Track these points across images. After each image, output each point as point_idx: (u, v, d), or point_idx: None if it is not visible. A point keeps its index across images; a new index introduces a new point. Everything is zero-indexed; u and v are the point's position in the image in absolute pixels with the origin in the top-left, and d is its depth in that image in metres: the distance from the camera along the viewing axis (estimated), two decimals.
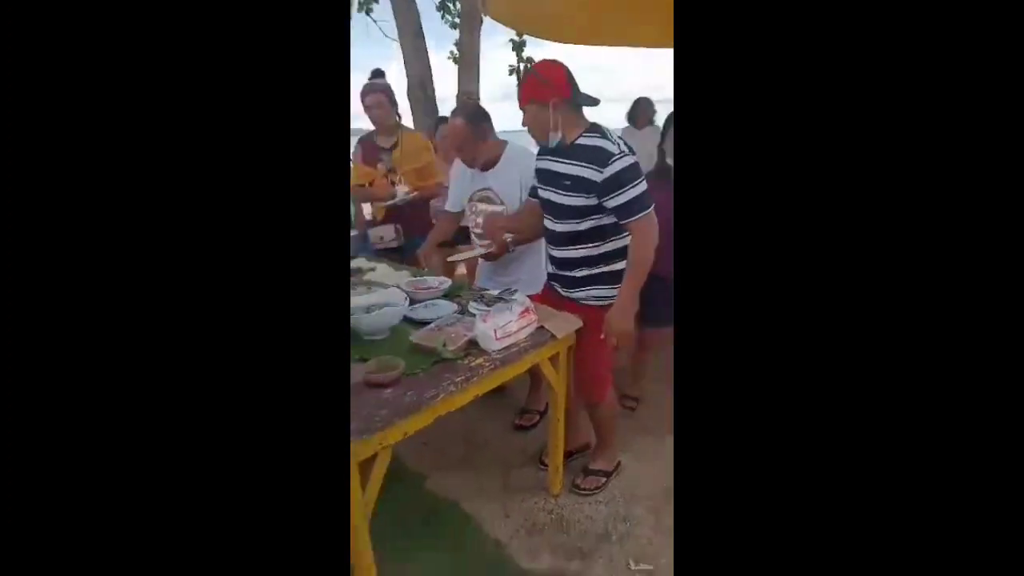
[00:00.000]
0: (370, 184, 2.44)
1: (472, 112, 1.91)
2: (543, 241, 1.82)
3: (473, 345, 1.37)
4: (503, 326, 1.37)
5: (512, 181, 1.95)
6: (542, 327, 1.49)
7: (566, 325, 1.54)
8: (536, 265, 2.07)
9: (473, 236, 2.13)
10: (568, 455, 1.92)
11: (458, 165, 2.09)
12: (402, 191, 2.39)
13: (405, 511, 1.76)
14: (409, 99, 4.47)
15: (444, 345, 1.32)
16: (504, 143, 2.05)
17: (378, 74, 2.47)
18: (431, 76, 4.48)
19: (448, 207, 2.15)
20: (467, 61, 4.67)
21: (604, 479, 1.87)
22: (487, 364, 1.32)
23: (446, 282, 1.87)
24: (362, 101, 2.40)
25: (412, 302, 1.71)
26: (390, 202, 2.40)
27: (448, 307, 1.65)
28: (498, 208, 1.99)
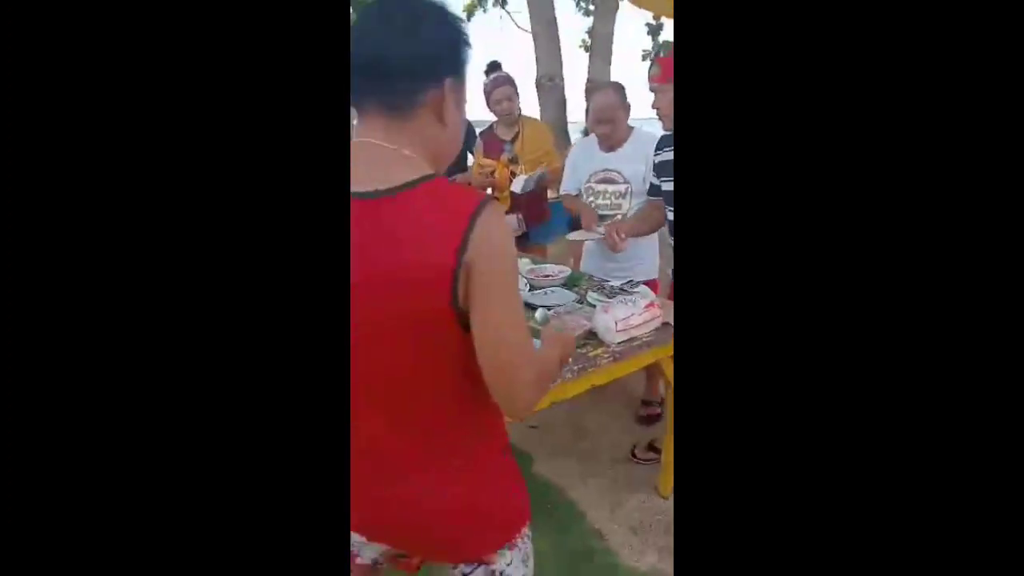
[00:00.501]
0: (491, 175, 2.50)
1: (620, 87, 2.02)
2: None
3: (592, 335, 1.36)
4: (625, 318, 1.35)
5: (639, 159, 2.01)
6: (667, 323, 1.44)
7: None
8: (650, 252, 2.12)
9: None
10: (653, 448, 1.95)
11: (575, 147, 2.17)
12: (523, 179, 2.40)
13: None
14: (537, 89, 4.54)
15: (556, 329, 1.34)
16: (631, 127, 2.11)
17: (495, 67, 2.48)
18: (561, 65, 4.50)
19: (565, 189, 2.25)
20: (599, 48, 4.61)
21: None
22: (605, 356, 1.31)
23: (565, 271, 1.88)
24: (488, 95, 2.42)
25: (531, 289, 1.75)
26: (517, 190, 2.43)
27: (567, 295, 1.66)
28: (621, 187, 2.06)
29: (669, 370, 1.54)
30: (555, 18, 4.34)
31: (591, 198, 2.13)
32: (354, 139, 0.66)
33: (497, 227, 0.63)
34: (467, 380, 0.68)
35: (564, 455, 2.05)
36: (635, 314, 1.37)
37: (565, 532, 1.66)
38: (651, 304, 1.42)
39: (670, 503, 1.75)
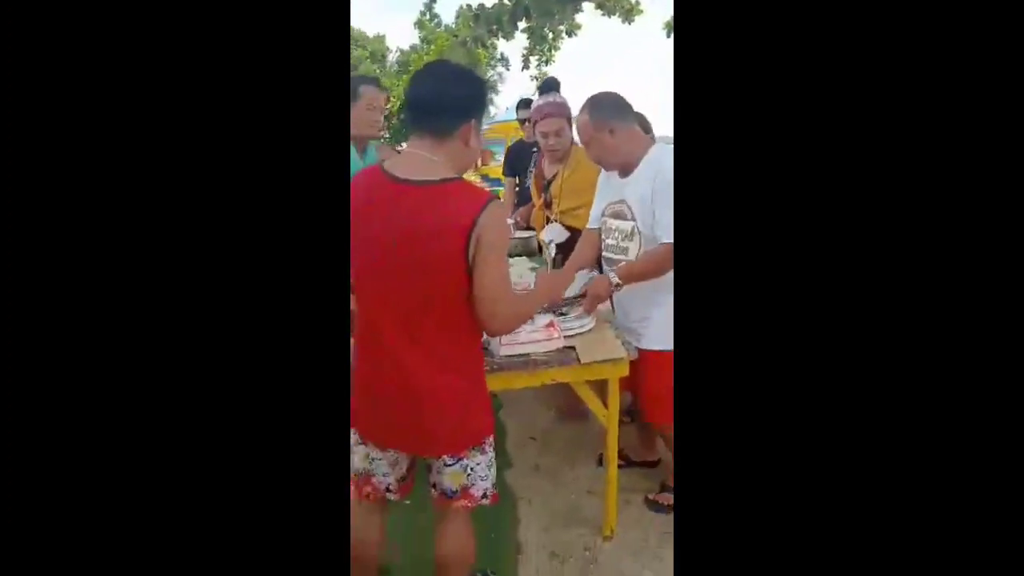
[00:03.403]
0: (519, 219, 2.35)
1: (596, 102, 1.55)
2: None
3: (487, 343, 1.39)
4: (512, 333, 1.34)
5: (647, 181, 1.50)
6: (568, 348, 1.38)
7: (600, 351, 1.38)
8: (662, 314, 1.49)
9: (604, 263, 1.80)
10: (630, 463, 1.96)
11: (602, 172, 1.82)
12: (554, 228, 2.09)
13: None
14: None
15: None
16: (650, 141, 1.66)
17: (550, 87, 2.08)
18: None
19: (589, 224, 1.82)
20: None
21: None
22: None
23: None
24: (535, 124, 2.04)
25: None
26: (545, 239, 2.06)
27: None
28: (627, 225, 1.58)
29: (588, 399, 1.46)
30: None
31: (605, 237, 1.73)
32: (406, 150, 1.09)
33: (498, 215, 1.02)
34: (466, 314, 1.03)
35: (530, 472, 2.02)
36: (525, 331, 1.35)
37: (481, 536, 1.67)
38: (550, 325, 1.38)
39: (607, 546, 1.62)
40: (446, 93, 1.03)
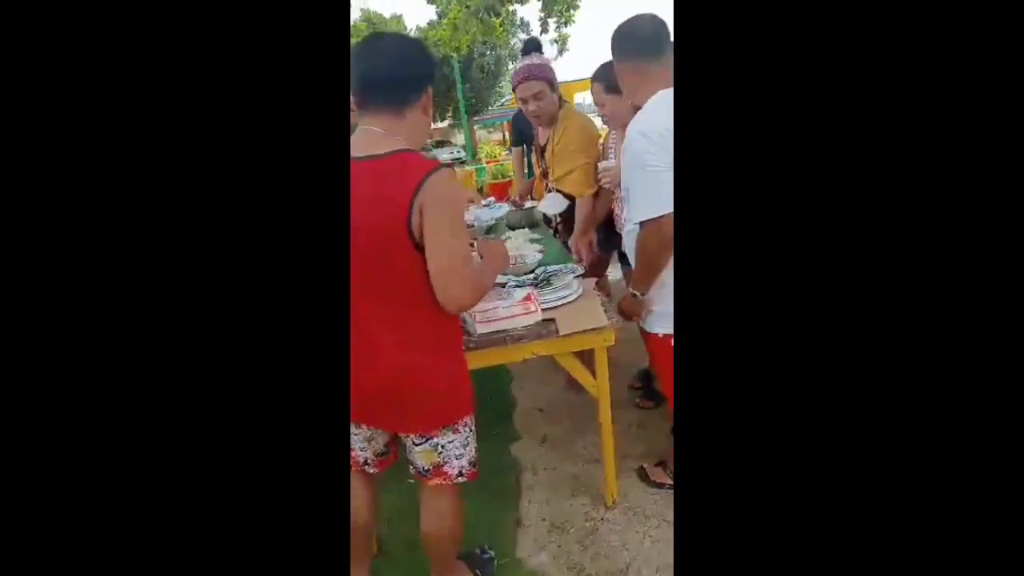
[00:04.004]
0: (513, 195, 2.29)
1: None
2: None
3: (463, 321, 1.38)
4: (488, 310, 1.33)
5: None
6: (547, 320, 1.35)
7: (581, 321, 1.34)
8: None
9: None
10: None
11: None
12: (552, 199, 2.07)
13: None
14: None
15: None
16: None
17: (533, 46, 2.02)
18: None
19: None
20: None
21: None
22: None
23: (536, 256, 1.83)
24: (514, 90, 2.00)
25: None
26: (546, 211, 2.09)
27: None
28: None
29: (575, 370, 1.44)
30: None
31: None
32: (357, 128, 1.05)
33: (442, 184, 0.98)
34: (426, 287, 1.00)
35: (540, 441, 2.02)
36: (501, 307, 1.33)
37: (473, 505, 1.70)
38: (527, 298, 1.35)
39: (609, 515, 1.62)
40: (399, 65, 1.01)
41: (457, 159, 19.81)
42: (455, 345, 1.14)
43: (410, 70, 1.02)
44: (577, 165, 1.97)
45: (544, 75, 1.95)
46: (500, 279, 1.59)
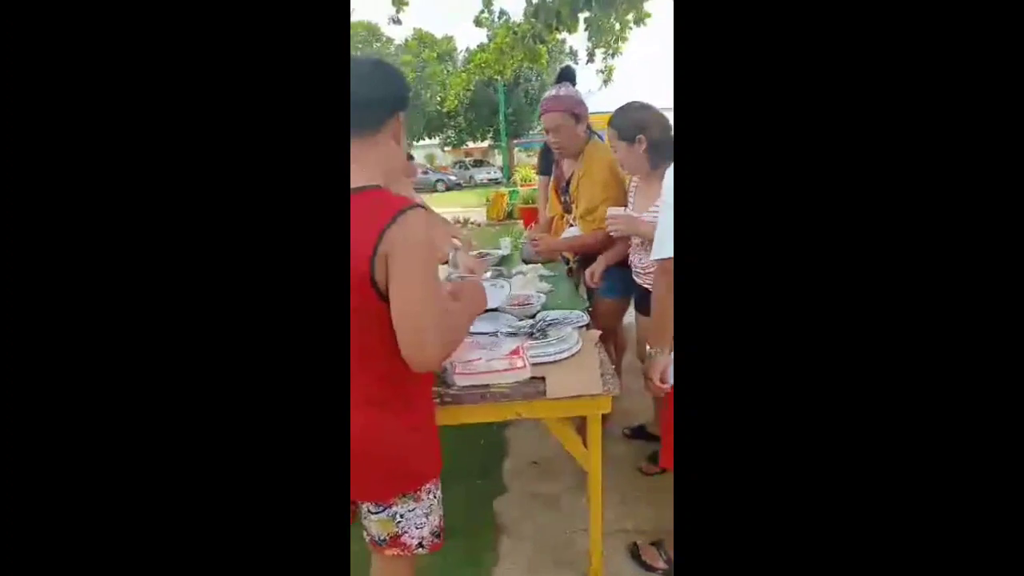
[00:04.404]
0: (531, 226, 2.21)
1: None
2: None
3: (444, 371, 1.24)
4: (468, 361, 1.18)
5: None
6: (536, 378, 1.19)
7: (572, 385, 1.18)
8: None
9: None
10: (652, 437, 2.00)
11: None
12: (573, 231, 1.97)
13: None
14: None
15: None
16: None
17: (567, 75, 1.94)
18: None
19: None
20: None
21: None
22: (434, 397, 1.18)
23: (541, 298, 1.69)
24: (546, 115, 1.88)
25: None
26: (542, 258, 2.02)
27: (502, 296, 1.50)
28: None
29: (565, 438, 1.27)
30: None
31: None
32: None
33: (411, 227, 0.85)
34: (390, 339, 0.88)
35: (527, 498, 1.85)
36: (483, 359, 1.18)
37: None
38: (515, 352, 1.20)
39: None
40: (364, 88, 0.90)
41: (493, 179, 20.07)
42: (420, 403, 1.01)
43: (374, 93, 0.92)
44: (602, 202, 1.85)
45: (566, 107, 1.84)
46: (493, 325, 1.45)
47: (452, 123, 19.87)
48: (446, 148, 22.83)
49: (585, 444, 1.28)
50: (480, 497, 1.85)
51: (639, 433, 2.14)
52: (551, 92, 1.89)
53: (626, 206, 1.80)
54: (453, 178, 20.06)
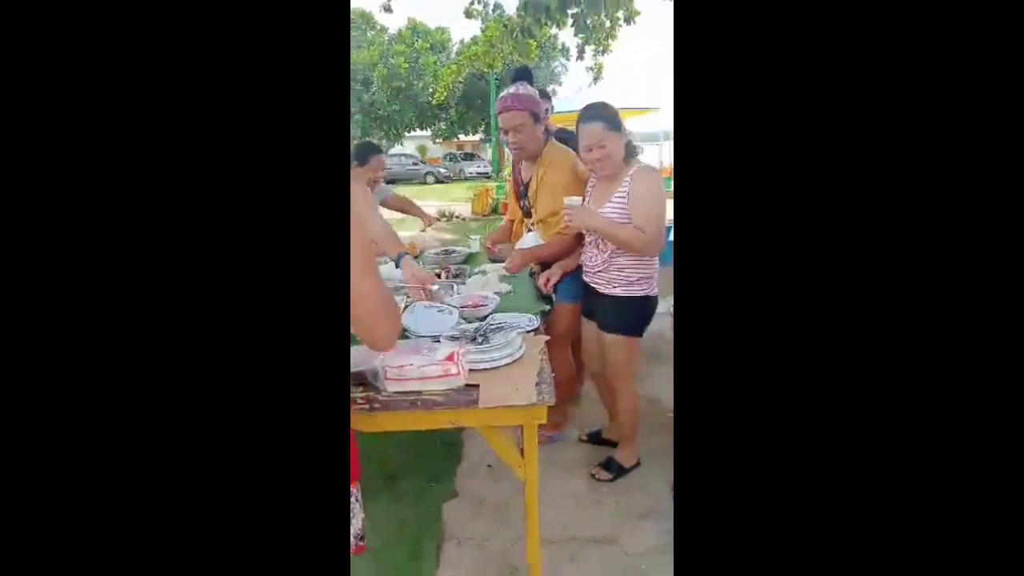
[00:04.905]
0: (491, 243, 2.18)
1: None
2: None
3: (375, 375, 1.19)
4: (398, 365, 1.14)
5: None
6: (470, 385, 1.15)
7: (506, 394, 1.14)
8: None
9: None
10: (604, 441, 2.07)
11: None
12: (532, 237, 1.93)
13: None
14: None
15: None
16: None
17: (523, 75, 1.85)
18: None
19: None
20: None
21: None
22: (362, 401, 1.14)
23: (495, 300, 1.65)
24: (505, 113, 1.81)
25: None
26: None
27: (447, 324, 1.45)
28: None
29: (501, 448, 1.23)
30: None
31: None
32: None
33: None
34: None
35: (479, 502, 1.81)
36: (415, 364, 1.14)
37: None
38: (450, 357, 1.15)
39: None
40: None
41: (483, 173, 19.95)
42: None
43: None
44: (559, 206, 1.78)
45: (525, 106, 1.78)
46: (433, 330, 1.40)
47: (444, 115, 19.67)
48: (437, 140, 22.63)
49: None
50: (428, 503, 1.81)
51: (595, 438, 2.11)
52: (509, 90, 1.83)
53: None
54: (443, 171, 19.92)
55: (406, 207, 2.92)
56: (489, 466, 2.02)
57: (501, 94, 1.87)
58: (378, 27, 20.33)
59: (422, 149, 24.50)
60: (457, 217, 9.45)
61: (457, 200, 11.86)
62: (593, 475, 1.92)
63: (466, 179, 19.29)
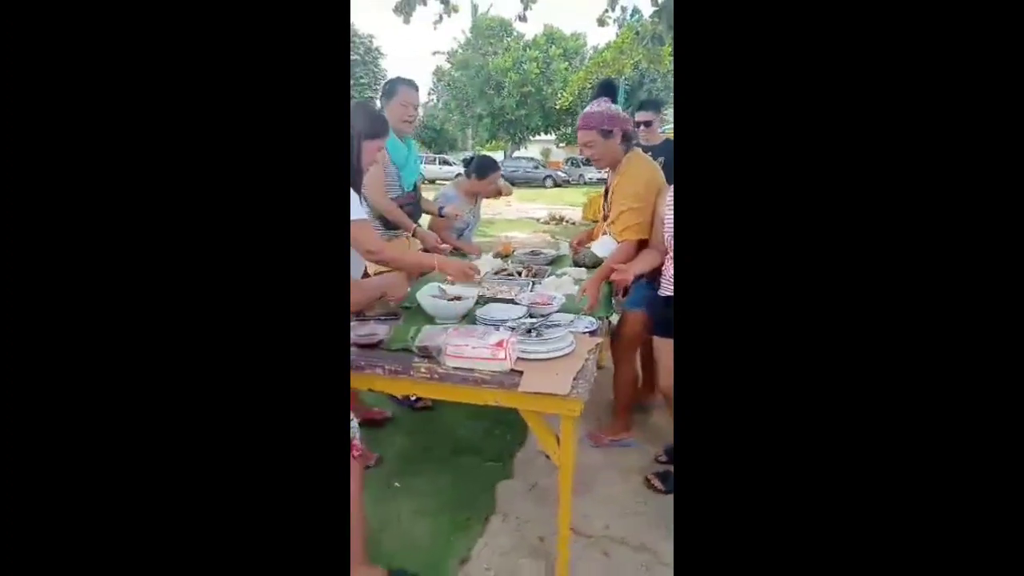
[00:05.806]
0: (577, 243, 2.30)
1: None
2: None
3: (439, 351, 1.37)
4: (457, 344, 1.31)
5: None
6: (515, 371, 1.29)
7: (543, 382, 1.26)
8: None
9: None
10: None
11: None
12: (605, 241, 2.04)
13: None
14: None
15: (412, 337, 1.41)
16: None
17: (605, 90, 1.96)
18: None
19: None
20: None
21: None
22: (425, 372, 1.33)
23: (560, 300, 1.76)
24: (578, 131, 1.96)
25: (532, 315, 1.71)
26: (597, 253, 2.10)
27: (513, 315, 1.60)
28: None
29: (538, 429, 1.35)
30: None
31: None
32: None
33: None
34: None
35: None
36: (469, 346, 1.30)
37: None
38: (500, 343, 1.30)
39: None
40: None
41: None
42: None
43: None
44: (627, 207, 1.90)
45: (595, 125, 1.91)
46: (501, 317, 1.56)
47: (570, 120, 19.93)
48: (561, 144, 22.98)
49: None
50: (483, 479, 1.98)
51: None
52: (587, 108, 1.97)
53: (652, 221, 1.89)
54: (562, 175, 20.16)
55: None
56: (547, 457, 2.14)
57: (582, 112, 2.00)
58: (514, 34, 21.14)
59: (545, 152, 25.01)
60: (567, 221, 9.58)
61: (572, 204, 11.99)
62: (648, 480, 1.95)
63: (585, 184, 19.31)
